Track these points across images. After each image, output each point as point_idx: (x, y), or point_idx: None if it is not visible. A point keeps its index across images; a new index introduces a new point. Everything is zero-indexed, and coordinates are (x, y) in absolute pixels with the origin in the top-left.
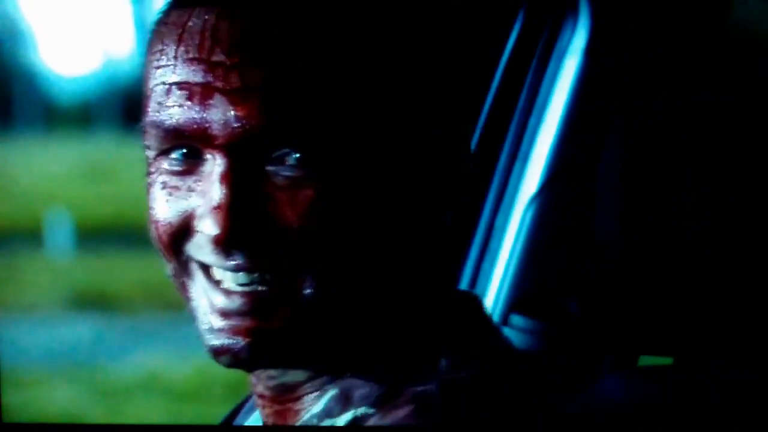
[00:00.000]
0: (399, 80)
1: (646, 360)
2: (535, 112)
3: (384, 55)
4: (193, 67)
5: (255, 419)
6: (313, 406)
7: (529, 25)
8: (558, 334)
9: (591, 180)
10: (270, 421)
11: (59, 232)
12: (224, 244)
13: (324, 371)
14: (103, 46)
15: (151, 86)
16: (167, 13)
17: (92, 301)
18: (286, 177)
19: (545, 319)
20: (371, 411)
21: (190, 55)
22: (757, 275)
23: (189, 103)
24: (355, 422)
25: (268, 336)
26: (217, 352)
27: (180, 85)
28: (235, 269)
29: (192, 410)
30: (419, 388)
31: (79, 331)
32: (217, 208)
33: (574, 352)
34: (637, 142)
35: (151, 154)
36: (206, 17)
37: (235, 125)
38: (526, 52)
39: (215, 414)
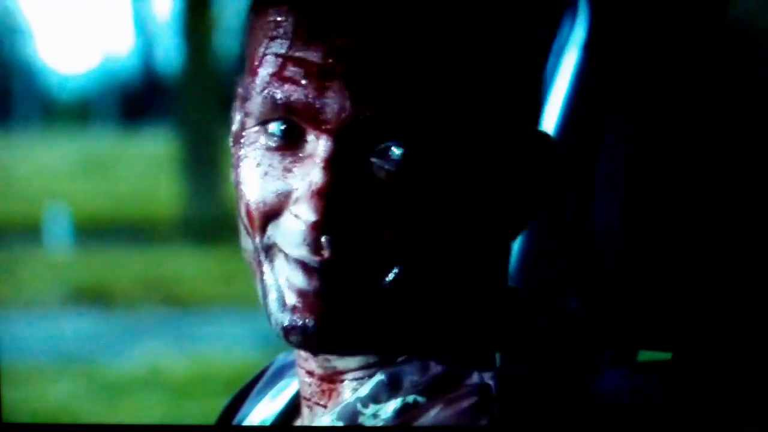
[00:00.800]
0: (499, 83)
1: (645, 355)
2: None
3: (484, 55)
4: (312, 47)
5: (282, 389)
6: (359, 390)
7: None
8: (557, 329)
9: (591, 175)
10: (314, 398)
11: (58, 228)
12: (319, 230)
13: (380, 359)
14: (102, 42)
15: (260, 53)
16: None
17: (91, 297)
18: (388, 171)
19: (545, 315)
20: (422, 399)
21: (310, 34)
22: (758, 271)
23: (305, 81)
24: (405, 409)
25: (342, 321)
26: (288, 331)
27: (297, 61)
28: (320, 265)
29: (191, 404)
30: (477, 381)
31: (78, 326)
32: (318, 192)
33: (573, 347)
34: (637, 137)
35: (249, 122)
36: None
37: (349, 111)
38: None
39: (214, 408)
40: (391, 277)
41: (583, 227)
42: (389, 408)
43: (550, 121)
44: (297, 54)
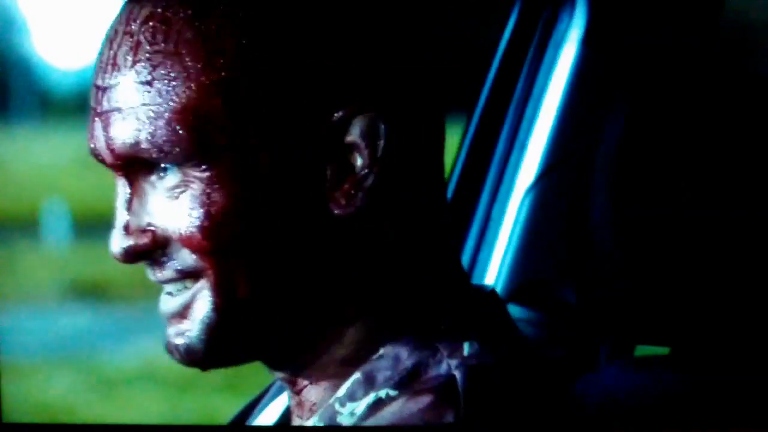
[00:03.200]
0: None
1: (642, 350)
2: (531, 102)
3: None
4: (92, 93)
5: (282, 403)
6: (337, 391)
7: (526, 14)
8: (554, 324)
9: (588, 170)
10: (296, 411)
11: (56, 222)
12: (123, 261)
13: (345, 364)
14: (100, 37)
15: None
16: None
17: (89, 291)
18: (170, 188)
19: (542, 309)
20: (394, 393)
21: (92, 81)
22: (755, 265)
23: (88, 127)
24: (376, 403)
25: (200, 337)
26: (168, 351)
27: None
28: (160, 282)
29: (189, 399)
30: (444, 372)
31: (76, 320)
32: (114, 228)
33: (570, 342)
34: (633, 131)
35: None
36: (105, 45)
37: (109, 145)
38: (522, 42)
39: (212, 403)
40: (224, 285)
41: (581, 223)
42: (363, 404)
43: (547, 115)
44: (90, 103)
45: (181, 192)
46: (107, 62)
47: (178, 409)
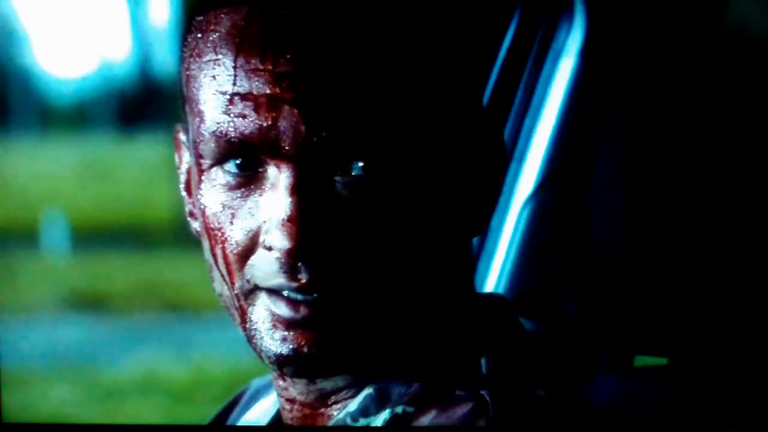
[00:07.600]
0: (455, 85)
1: (641, 360)
2: (530, 114)
3: (436, 57)
4: (257, 78)
5: (258, 413)
6: (348, 406)
7: (524, 25)
8: (554, 335)
9: (586, 181)
10: (295, 423)
11: (55, 233)
12: (295, 257)
13: (365, 375)
14: (99, 47)
15: (204, 95)
16: (214, 20)
17: (88, 302)
18: (350, 185)
19: (541, 320)
20: (411, 409)
21: (253, 66)
22: (754, 276)
23: (255, 114)
24: (394, 420)
25: (333, 345)
26: (281, 362)
27: (244, 96)
28: (299, 290)
29: (188, 409)
30: (469, 391)
31: (75, 331)
32: (289, 219)
33: (569, 353)
34: (633, 143)
35: (205, 163)
36: (265, 26)
37: (305, 136)
38: (521, 53)
39: (211, 414)
40: (373, 293)
41: (580, 233)
42: (379, 420)
43: (546, 127)
44: (242, 88)
45: (366, 189)
46: (295, 46)
47: (177, 419)
